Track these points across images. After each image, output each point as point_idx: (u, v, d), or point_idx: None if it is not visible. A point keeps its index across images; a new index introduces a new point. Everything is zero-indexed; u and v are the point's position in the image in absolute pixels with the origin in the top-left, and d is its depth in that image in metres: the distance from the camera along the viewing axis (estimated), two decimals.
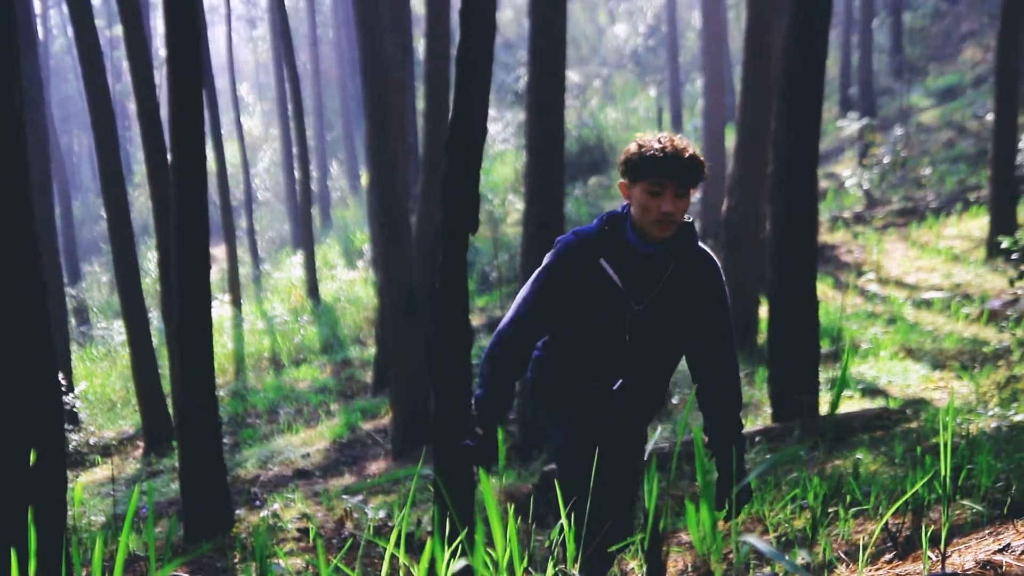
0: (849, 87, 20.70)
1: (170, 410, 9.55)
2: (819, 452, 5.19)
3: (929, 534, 2.29)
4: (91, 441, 10.80)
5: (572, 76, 23.60)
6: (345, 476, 8.36)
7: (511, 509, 2.06)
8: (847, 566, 2.71)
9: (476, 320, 12.76)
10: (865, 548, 2.50)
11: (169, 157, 5.56)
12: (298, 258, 20.12)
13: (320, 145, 28.06)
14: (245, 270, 20.83)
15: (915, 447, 4.54)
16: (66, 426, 8.88)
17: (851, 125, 17.74)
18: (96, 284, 23.21)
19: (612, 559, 2.67)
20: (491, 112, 18.06)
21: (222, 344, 14.46)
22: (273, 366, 14.23)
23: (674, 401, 7.78)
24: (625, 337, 2.60)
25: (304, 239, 17.70)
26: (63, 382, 10.00)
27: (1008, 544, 2.26)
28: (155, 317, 14.13)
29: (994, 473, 3.35)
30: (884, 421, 5.99)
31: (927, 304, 10.04)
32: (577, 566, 2.13)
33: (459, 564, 1.64)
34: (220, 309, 16.54)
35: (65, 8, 20.40)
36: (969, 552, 2.32)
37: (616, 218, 2.59)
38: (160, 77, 19.85)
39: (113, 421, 12.08)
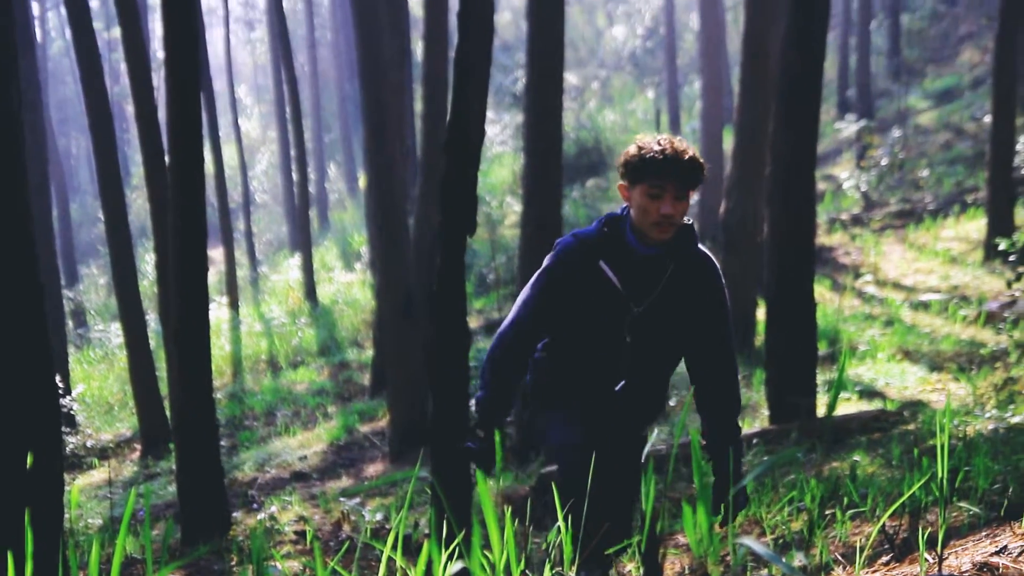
0: (847, 89, 20.71)
1: (167, 412, 9.55)
2: (816, 454, 5.19)
3: (926, 536, 2.29)
4: (88, 444, 10.78)
5: (570, 78, 23.60)
6: (342, 478, 8.35)
7: (508, 511, 2.05)
8: (844, 568, 2.71)
9: (474, 322, 12.74)
10: (862, 550, 2.51)
11: (167, 159, 5.56)
12: (296, 260, 20.11)
13: (318, 147, 28.07)
14: (243, 272, 20.83)
15: (912, 449, 4.54)
16: (63, 429, 8.88)
17: (849, 127, 17.75)
18: (94, 286, 23.20)
19: (610, 561, 2.67)
20: (489, 114, 18.03)
21: (219, 346, 14.45)
22: (271, 368, 14.21)
23: (671, 403, 7.78)
24: (625, 339, 2.60)
25: (302, 241, 17.69)
26: (60, 384, 9.97)
27: (1005, 546, 2.26)
28: (153, 319, 14.14)
29: (991, 475, 3.36)
30: (881, 423, 5.99)
31: (924, 306, 10.04)
32: (574, 568, 2.13)
33: (456, 567, 1.64)
34: (218, 311, 16.54)
35: (63, 10, 20.42)
36: (966, 554, 2.32)
37: (615, 220, 2.59)
38: (158, 79, 19.84)
39: (110, 423, 12.07)
